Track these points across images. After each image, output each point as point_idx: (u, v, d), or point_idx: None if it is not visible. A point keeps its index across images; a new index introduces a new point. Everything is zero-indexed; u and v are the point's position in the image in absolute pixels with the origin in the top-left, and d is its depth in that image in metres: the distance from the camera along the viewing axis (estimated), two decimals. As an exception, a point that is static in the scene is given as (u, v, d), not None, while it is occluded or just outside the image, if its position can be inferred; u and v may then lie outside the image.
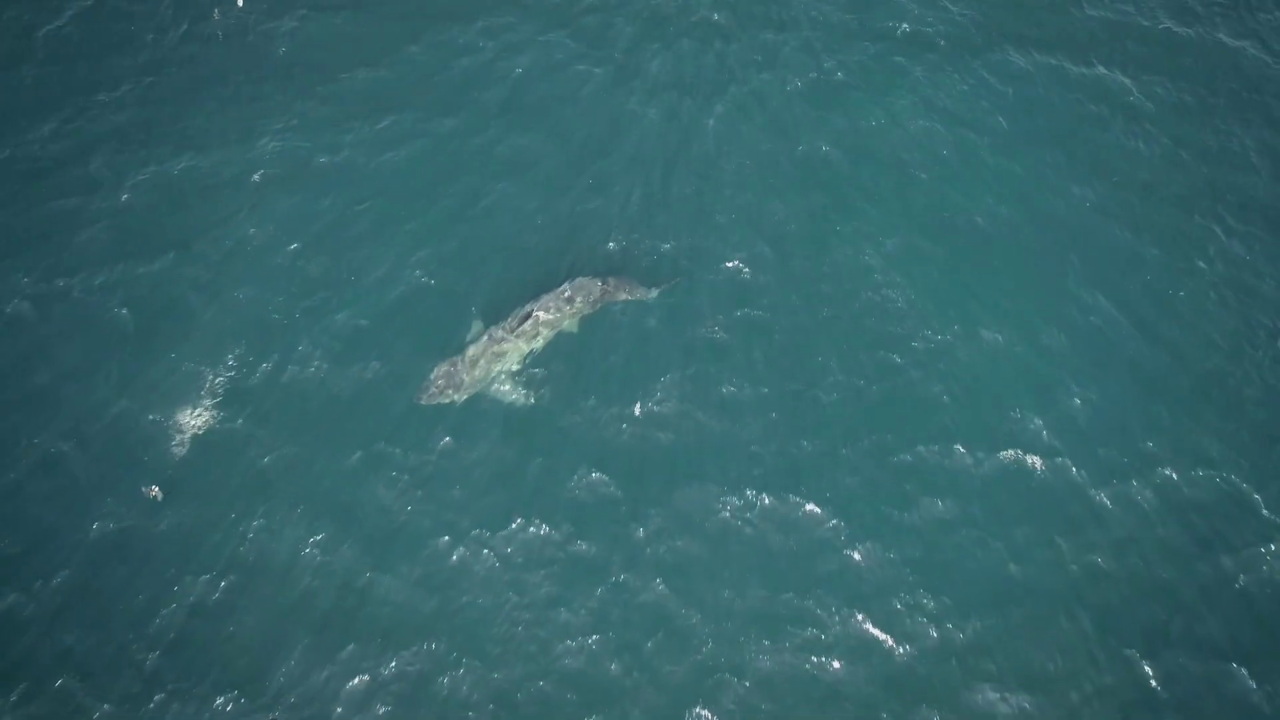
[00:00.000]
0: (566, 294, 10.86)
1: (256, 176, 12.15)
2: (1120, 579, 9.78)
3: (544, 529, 9.87)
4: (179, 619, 9.37)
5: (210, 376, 10.67)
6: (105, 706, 8.94)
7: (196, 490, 9.99)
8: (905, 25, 13.98)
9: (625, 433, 10.45)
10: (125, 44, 13.31)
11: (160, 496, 9.77)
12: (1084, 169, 12.52)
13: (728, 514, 10.02)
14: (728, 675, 9.22)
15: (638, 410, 10.53)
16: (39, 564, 9.57)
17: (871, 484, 10.21)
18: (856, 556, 9.80)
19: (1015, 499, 10.18)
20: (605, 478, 10.15)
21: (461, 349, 10.66)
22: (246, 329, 11.00)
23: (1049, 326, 11.24)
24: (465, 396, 10.42)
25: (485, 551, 9.75)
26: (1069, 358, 11.05)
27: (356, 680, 9.13)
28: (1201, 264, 11.76)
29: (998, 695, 9.25)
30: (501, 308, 10.93)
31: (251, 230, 11.70)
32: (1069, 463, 10.34)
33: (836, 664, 9.30)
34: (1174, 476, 10.30)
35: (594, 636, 9.34)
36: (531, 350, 10.74)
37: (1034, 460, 10.34)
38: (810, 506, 10.04)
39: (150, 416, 10.38)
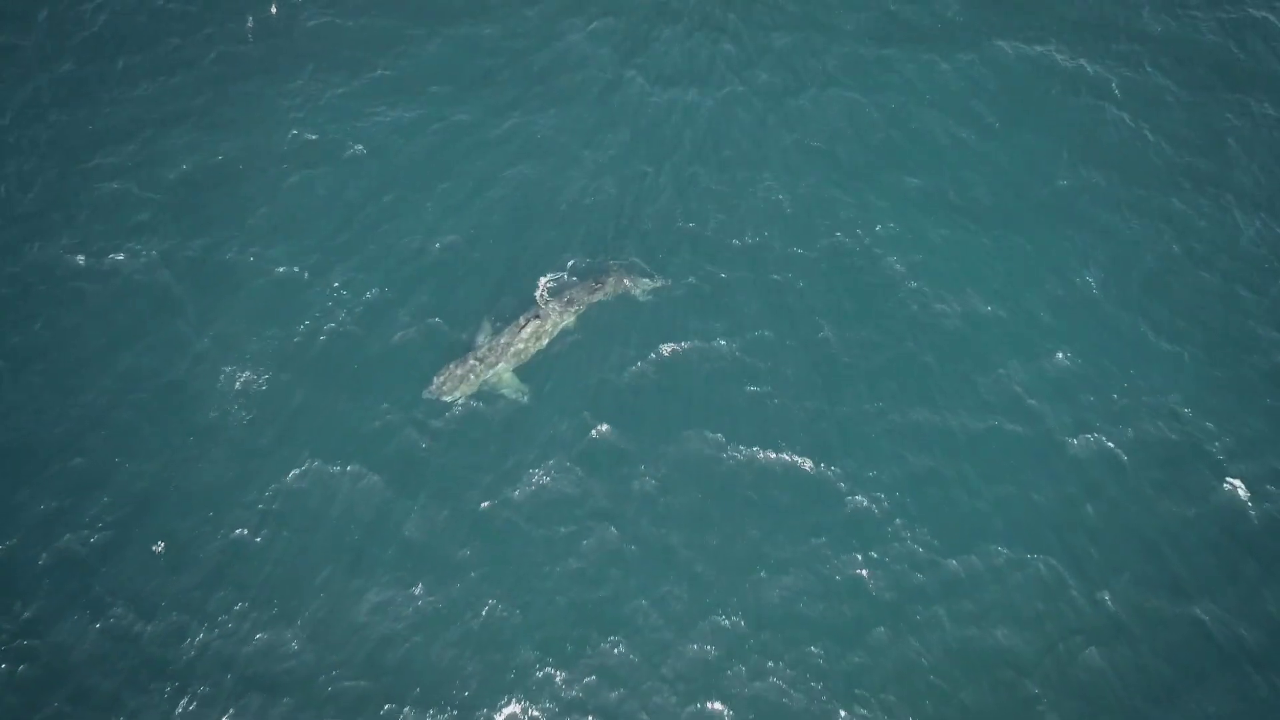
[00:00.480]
0: (567, 298, 11.58)
1: (286, 162, 12.91)
2: (1093, 522, 10.62)
3: (560, 474, 10.70)
4: (219, 554, 10.22)
5: (254, 338, 11.47)
6: (149, 630, 9.80)
7: (239, 440, 10.84)
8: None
9: (631, 382, 11.29)
10: (165, 39, 13.99)
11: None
12: (1067, 150, 13.31)
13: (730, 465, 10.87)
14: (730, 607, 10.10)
15: (652, 357, 11.47)
16: (95, 504, 10.43)
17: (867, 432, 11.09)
18: (853, 501, 10.66)
19: (999, 449, 11.03)
20: (611, 428, 11.01)
21: (471, 348, 11.34)
22: (286, 295, 11.80)
23: (1034, 292, 12.16)
24: (472, 391, 11.12)
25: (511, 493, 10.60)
26: (1051, 321, 11.89)
27: (384, 608, 10.00)
28: (1177, 236, 12.59)
29: (979, 630, 10.01)
30: (506, 310, 11.69)
31: (288, 206, 12.51)
32: (1049, 412, 11.28)
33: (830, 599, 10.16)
34: (1144, 427, 11.19)
35: (606, 564, 10.28)
36: (538, 348, 11.43)
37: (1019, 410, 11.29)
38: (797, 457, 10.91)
39: (199, 373, 11.22)
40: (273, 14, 14.11)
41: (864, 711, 9.62)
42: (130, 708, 9.49)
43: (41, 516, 10.36)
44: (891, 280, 12.15)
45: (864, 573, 10.31)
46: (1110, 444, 11.09)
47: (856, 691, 9.73)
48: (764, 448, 10.94)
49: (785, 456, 10.90)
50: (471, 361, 11.14)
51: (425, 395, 11.04)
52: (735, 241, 12.46)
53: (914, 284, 12.11)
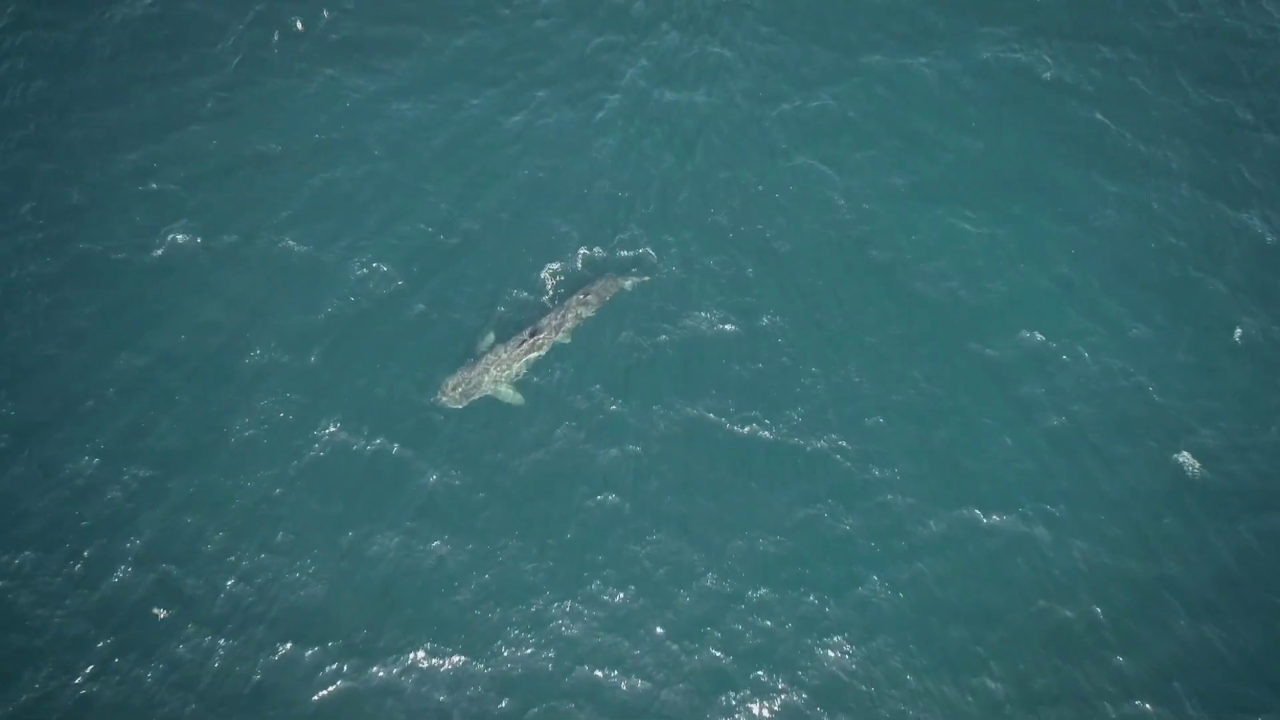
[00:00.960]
0: (562, 314, 12.38)
1: (311, 158, 13.86)
2: (1066, 485, 11.59)
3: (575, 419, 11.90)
4: (247, 510, 11.31)
5: (283, 318, 12.55)
6: (188, 580, 10.87)
7: (270, 408, 11.93)
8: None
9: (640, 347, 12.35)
10: (194, 46, 14.82)
11: None
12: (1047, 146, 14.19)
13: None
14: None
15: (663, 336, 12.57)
16: (134, 464, 11.52)
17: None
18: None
19: (978, 422, 12.03)
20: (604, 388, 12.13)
21: (475, 358, 12.15)
22: (312, 278, 12.85)
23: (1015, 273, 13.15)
24: (475, 398, 11.96)
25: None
26: (1031, 299, 12.88)
27: (404, 557, 11.08)
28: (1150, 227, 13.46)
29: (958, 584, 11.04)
30: (506, 315, 12.62)
31: (313, 198, 13.55)
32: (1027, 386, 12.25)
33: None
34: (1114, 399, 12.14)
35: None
36: (537, 357, 12.24)
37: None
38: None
39: (232, 349, 12.28)
40: (298, 27, 15.07)
41: (846, 652, 10.59)
42: (171, 652, 10.48)
43: (85, 474, 11.37)
44: (886, 262, 13.09)
45: (849, 527, 11.30)
46: (1082, 414, 12.05)
47: (836, 639, 10.71)
48: (766, 416, 11.96)
49: (786, 426, 11.91)
50: (474, 372, 11.96)
51: (432, 401, 11.90)
52: (728, 222, 13.46)
53: (906, 263, 13.09)
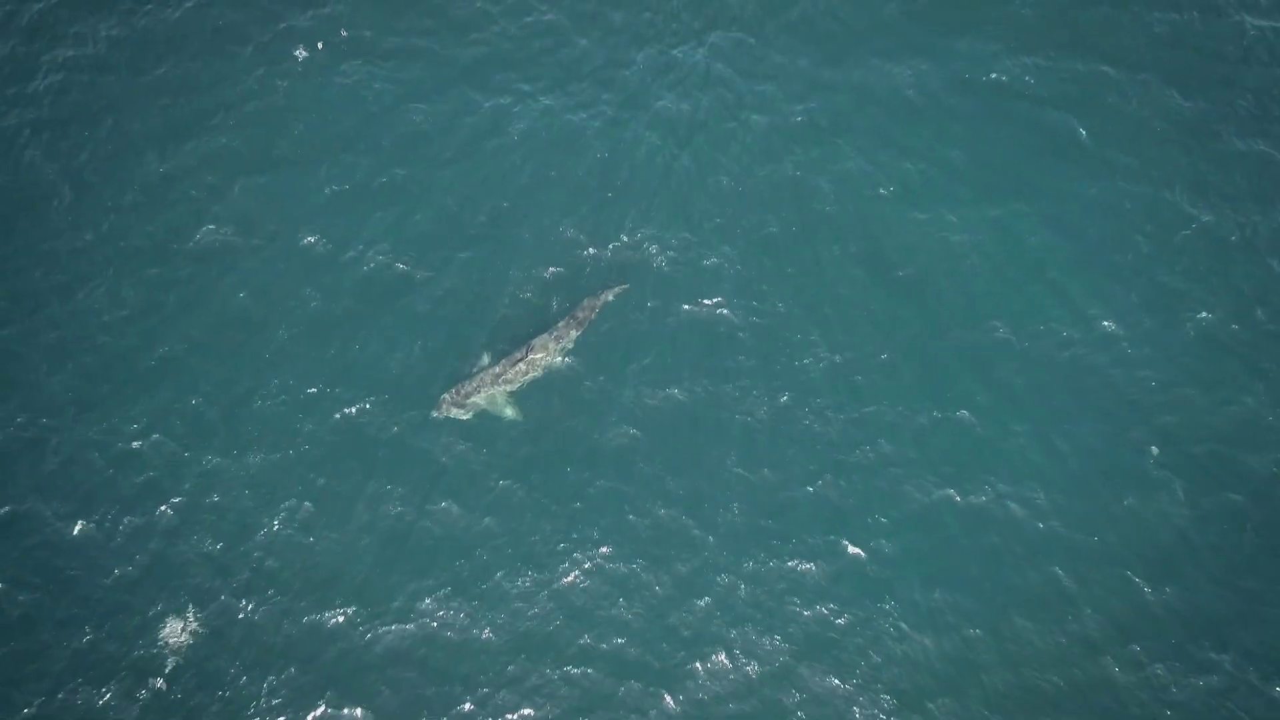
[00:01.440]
0: (555, 334, 13.28)
1: (329, 170, 14.95)
2: (1036, 457, 12.68)
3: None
4: (275, 465, 12.85)
5: (306, 301, 13.93)
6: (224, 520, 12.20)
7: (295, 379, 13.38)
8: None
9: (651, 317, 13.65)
10: (224, 75, 15.84)
11: None
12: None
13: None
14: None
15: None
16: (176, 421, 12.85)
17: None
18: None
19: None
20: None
21: (470, 376, 13.20)
22: (331, 268, 14.11)
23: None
24: (474, 412, 13.00)
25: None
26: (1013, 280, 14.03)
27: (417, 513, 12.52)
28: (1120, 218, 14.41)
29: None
30: (506, 325, 13.75)
31: (330, 203, 14.73)
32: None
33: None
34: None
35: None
36: (530, 377, 13.19)
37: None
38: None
39: (262, 327, 13.68)
40: (316, 43, 15.98)
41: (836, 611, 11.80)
42: (207, 610, 11.87)
43: (137, 426, 12.99)
44: (883, 263, 14.09)
45: (841, 484, 12.64)
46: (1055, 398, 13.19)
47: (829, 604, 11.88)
48: (761, 399, 13.18)
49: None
50: (470, 387, 12.96)
51: (433, 416, 12.93)
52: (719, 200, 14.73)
53: (901, 246, 14.18)
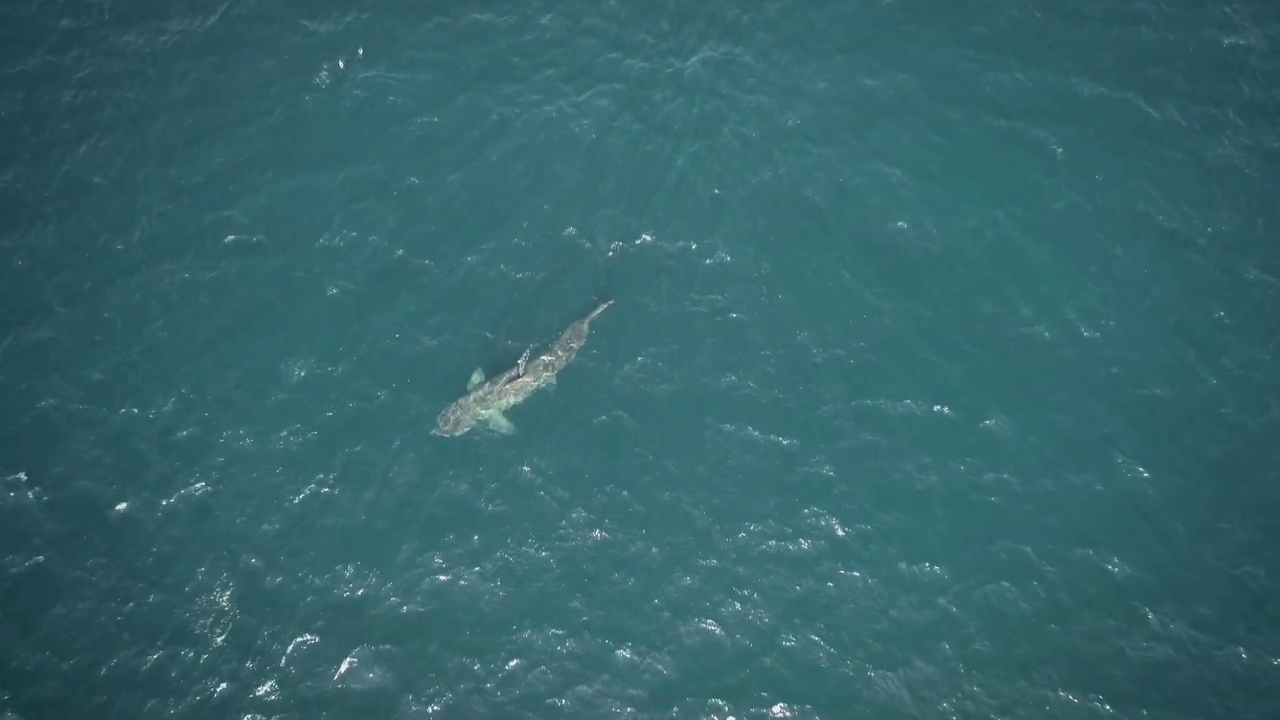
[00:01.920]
0: (548, 358, 14.11)
1: (345, 193, 15.89)
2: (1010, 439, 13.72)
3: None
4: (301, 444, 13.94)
5: (325, 333, 14.82)
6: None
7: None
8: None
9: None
10: (243, 98, 16.79)
11: None
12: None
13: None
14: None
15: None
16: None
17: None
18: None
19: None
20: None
21: (465, 394, 14.05)
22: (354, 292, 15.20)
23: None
24: (470, 428, 13.87)
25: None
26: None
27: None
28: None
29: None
30: (496, 361, 14.56)
31: (348, 230, 15.61)
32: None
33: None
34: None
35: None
36: (520, 397, 14.04)
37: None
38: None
39: (288, 351, 14.61)
40: (337, 62, 17.02)
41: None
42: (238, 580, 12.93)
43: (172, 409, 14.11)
44: (881, 262, 15.12)
45: (829, 467, 13.70)
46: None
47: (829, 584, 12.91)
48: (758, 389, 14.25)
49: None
50: (466, 404, 13.82)
51: (432, 434, 13.81)
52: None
53: (888, 246, 15.22)
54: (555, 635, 12.63)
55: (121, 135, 16.31)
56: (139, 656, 12.48)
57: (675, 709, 12.26)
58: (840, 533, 13.17)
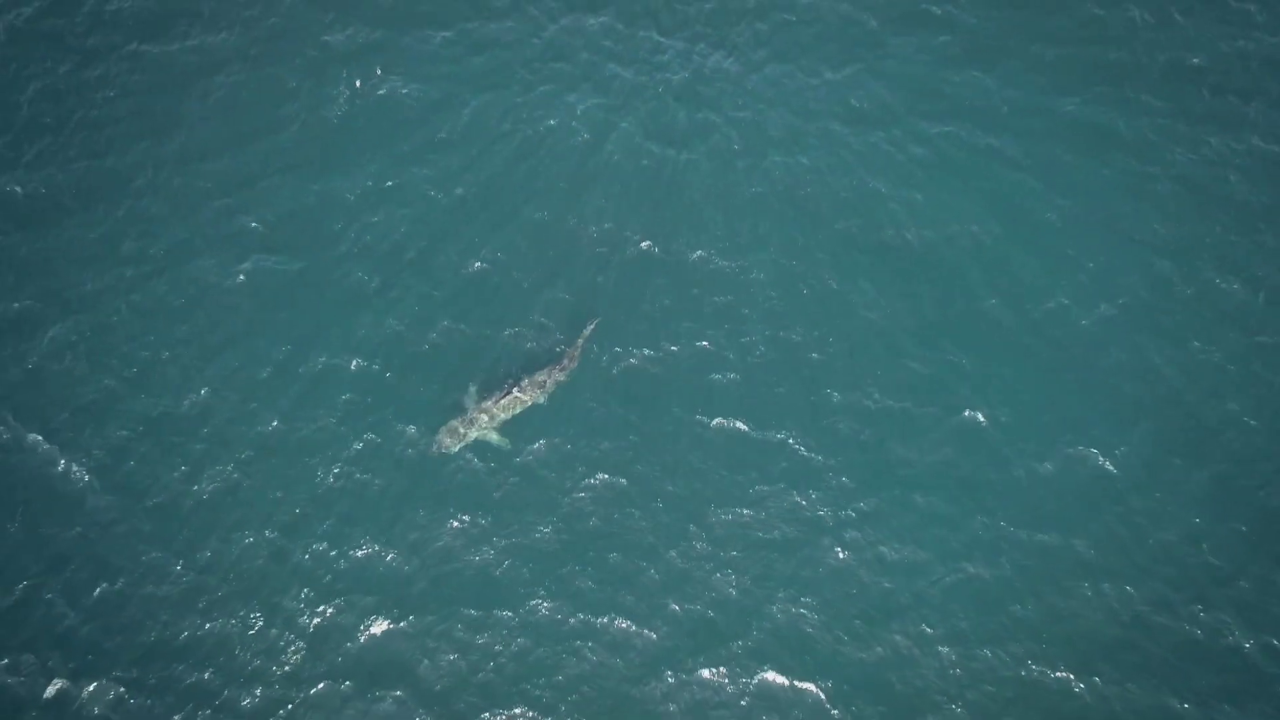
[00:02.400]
0: (540, 378, 14.83)
1: (361, 202, 16.76)
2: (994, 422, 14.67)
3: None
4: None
5: (341, 329, 15.68)
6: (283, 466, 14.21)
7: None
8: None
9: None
10: (266, 110, 17.66)
11: None
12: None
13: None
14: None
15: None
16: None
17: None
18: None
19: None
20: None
21: (461, 412, 14.80)
22: (363, 297, 16.10)
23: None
24: (467, 444, 14.65)
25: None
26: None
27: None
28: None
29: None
30: (489, 376, 15.36)
31: (363, 235, 16.51)
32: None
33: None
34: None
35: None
36: (514, 413, 14.80)
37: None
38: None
39: (304, 347, 15.51)
40: (353, 72, 17.87)
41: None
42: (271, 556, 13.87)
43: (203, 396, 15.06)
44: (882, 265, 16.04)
45: (822, 454, 14.60)
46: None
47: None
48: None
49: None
50: (463, 421, 14.57)
51: (430, 452, 14.56)
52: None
53: (880, 246, 16.21)
54: (559, 607, 13.57)
55: (149, 139, 17.18)
56: (175, 626, 13.46)
57: (669, 674, 13.23)
58: (826, 516, 14.09)
